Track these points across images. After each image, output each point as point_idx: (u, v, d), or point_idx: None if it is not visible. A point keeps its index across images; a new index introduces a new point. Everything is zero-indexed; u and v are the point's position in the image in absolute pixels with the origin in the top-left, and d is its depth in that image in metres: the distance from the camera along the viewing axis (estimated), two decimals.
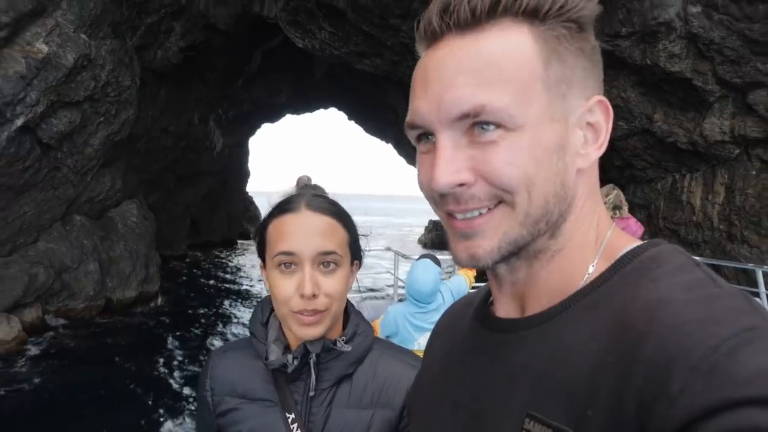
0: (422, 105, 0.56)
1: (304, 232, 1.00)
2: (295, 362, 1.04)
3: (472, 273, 3.77)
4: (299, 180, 4.61)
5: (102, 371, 9.34)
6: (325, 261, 1.01)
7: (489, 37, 0.53)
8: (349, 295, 1.09)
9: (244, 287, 17.73)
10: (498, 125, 0.52)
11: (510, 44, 0.53)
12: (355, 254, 1.09)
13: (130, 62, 11.43)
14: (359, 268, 1.13)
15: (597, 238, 0.58)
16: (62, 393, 8.36)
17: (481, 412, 0.59)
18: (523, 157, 0.52)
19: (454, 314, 0.77)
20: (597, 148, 0.56)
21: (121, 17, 10.99)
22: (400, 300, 5.53)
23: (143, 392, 8.58)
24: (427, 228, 34.36)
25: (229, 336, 11.94)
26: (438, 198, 0.57)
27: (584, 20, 0.55)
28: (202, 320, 13.22)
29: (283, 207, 1.04)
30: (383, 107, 20.27)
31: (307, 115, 29.79)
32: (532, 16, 0.54)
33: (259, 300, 1.25)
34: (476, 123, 0.53)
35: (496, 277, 0.62)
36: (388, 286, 15.39)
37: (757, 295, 5.97)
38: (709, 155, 8.44)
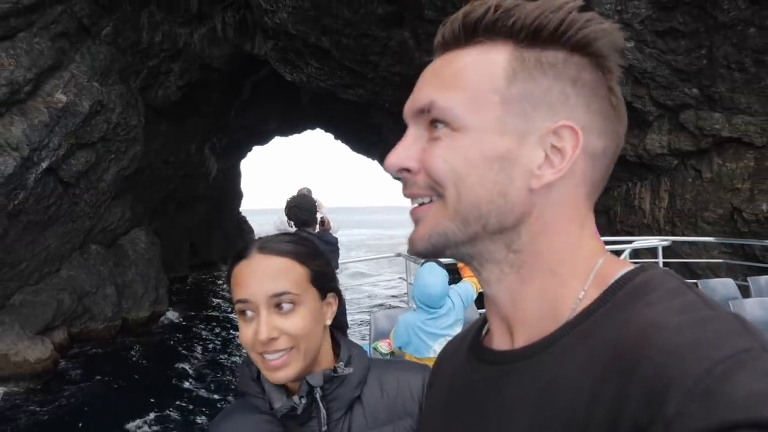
0: (407, 104, 0.62)
1: (254, 277, 1.00)
2: (303, 401, 1.02)
3: (477, 280, 3.98)
4: (299, 192, 5.54)
5: (124, 384, 10.42)
6: (278, 303, 0.99)
7: (467, 51, 0.58)
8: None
9: None
10: (445, 123, 0.57)
11: (480, 59, 0.57)
12: (325, 287, 1.07)
13: (135, 103, 12.57)
14: (336, 299, 1.11)
15: (584, 262, 0.58)
16: (93, 403, 9.45)
17: None
18: (455, 156, 0.56)
19: (452, 348, 0.77)
20: (554, 173, 0.56)
21: (126, 64, 12.14)
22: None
23: (161, 402, 9.66)
24: None
25: (234, 348, 13.02)
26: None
27: (593, 52, 0.56)
28: (209, 335, 14.31)
29: (238, 255, 1.05)
30: (367, 128, 21.46)
31: (295, 136, 30.96)
32: (516, 39, 0.56)
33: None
34: (433, 120, 0.58)
35: (487, 299, 0.64)
36: (396, 296, 16.42)
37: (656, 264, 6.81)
38: (654, 166, 9.70)
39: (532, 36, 0.56)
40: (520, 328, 0.59)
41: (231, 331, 14.67)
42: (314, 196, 5.64)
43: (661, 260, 7.04)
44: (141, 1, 11.69)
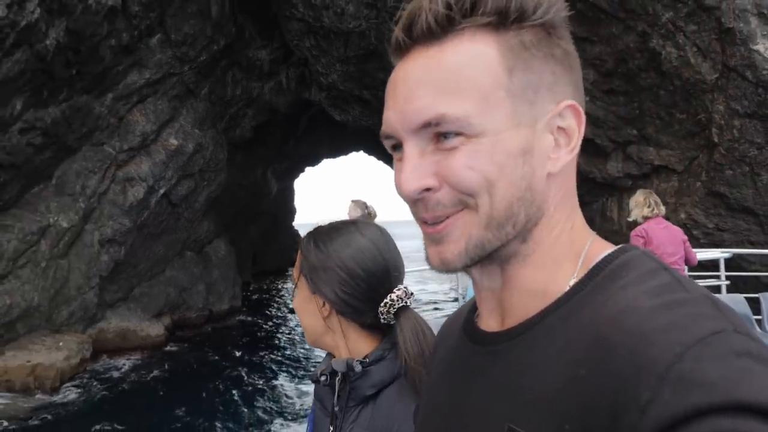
0: (390, 115, 0.58)
1: None
2: (323, 378, 1.13)
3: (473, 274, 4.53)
4: (357, 203, 9.25)
5: (216, 357, 14.01)
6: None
7: (452, 47, 0.55)
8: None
9: None
10: (457, 134, 0.54)
11: (472, 53, 0.54)
12: (314, 280, 1.13)
13: (222, 142, 16.34)
14: (327, 307, 1.13)
15: (572, 244, 0.58)
16: (194, 367, 13.07)
17: (465, 426, 0.59)
18: (482, 161, 0.53)
19: (449, 325, 0.77)
20: (568, 152, 0.56)
21: (215, 113, 15.94)
22: None
23: (241, 368, 13.19)
24: None
25: (293, 336, 16.52)
26: (412, 205, 0.59)
27: (553, 24, 0.56)
28: (271, 325, 17.92)
29: None
30: None
31: (342, 158, 34.68)
32: (496, 24, 0.54)
33: None
34: (439, 132, 0.55)
35: (476, 286, 0.63)
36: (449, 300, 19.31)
37: (717, 278, 7.23)
38: (616, 186, 12.70)
39: (516, 18, 0.55)
40: (509, 311, 0.59)
41: (289, 328, 18.25)
42: (370, 205, 6.62)
43: (723, 272, 7.43)
44: (228, 66, 15.47)
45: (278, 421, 9.70)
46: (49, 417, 9.65)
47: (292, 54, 16.05)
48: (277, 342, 15.75)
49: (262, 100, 17.32)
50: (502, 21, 0.54)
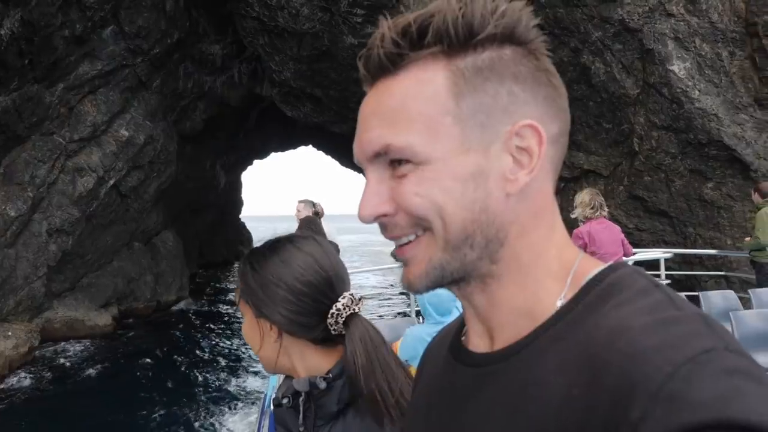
0: (355, 145, 0.60)
1: None
2: (285, 401, 1.09)
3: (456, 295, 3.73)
4: (306, 202, 10.01)
5: (163, 347, 14.20)
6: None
7: (402, 78, 0.56)
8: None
9: None
10: (407, 161, 0.55)
11: (418, 83, 0.55)
12: (256, 305, 1.09)
13: (172, 134, 16.44)
14: (275, 329, 1.09)
15: (558, 263, 0.58)
16: (142, 356, 13.28)
17: None
18: (429, 188, 0.54)
19: (434, 347, 0.77)
20: (527, 173, 0.55)
21: (167, 105, 16.02)
22: (417, 314, 6.01)
23: (185, 355, 13.49)
24: None
25: (240, 327, 16.84)
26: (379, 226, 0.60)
27: (517, 39, 0.56)
28: (217, 316, 18.19)
29: None
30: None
31: (290, 151, 34.86)
32: (445, 50, 0.55)
33: None
34: (392, 161, 0.56)
35: (463, 306, 0.64)
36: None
37: (658, 277, 7.25)
38: None
39: (462, 40, 0.54)
40: (498, 331, 0.59)
41: (235, 319, 18.52)
42: (317, 203, 6.84)
43: (663, 272, 7.71)
44: (180, 59, 15.58)
45: (224, 409, 10.10)
46: None
47: (245, 49, 16.29)
48: (222, 332, 16.05)
49: (213, 94, 17.49)
50: (450, 46, 0.55)
